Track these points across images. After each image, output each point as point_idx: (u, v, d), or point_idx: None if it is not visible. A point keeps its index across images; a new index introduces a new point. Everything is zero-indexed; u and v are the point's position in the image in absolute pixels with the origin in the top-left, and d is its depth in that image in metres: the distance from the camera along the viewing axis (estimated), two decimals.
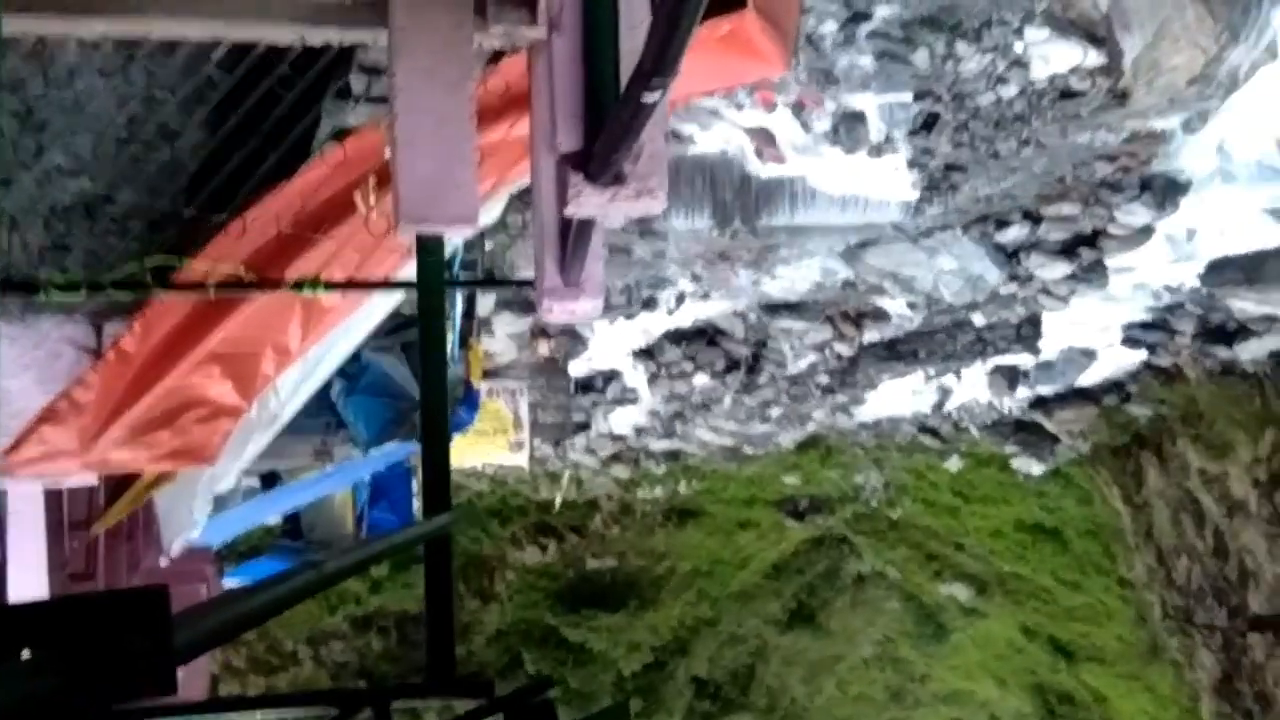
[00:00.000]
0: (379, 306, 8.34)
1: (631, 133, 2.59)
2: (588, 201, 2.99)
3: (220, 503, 10.39)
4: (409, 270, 6.33)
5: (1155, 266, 15.95)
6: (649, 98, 2.13)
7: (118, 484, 8.80)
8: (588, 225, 3.23)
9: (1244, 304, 16.32)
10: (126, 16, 3.56)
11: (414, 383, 11.89)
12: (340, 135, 7.58)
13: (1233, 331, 17.14)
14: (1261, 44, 12.51)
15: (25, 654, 1.38)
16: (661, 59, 1.94)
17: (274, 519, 14.46)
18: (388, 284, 6.95)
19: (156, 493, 9.07)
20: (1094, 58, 12.52)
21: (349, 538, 13.96)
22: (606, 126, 2.79)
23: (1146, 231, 15.20)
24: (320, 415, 11.52)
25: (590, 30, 3.07)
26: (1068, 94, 12.89)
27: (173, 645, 1.44)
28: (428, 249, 4.87)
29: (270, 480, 13.05)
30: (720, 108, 13.00)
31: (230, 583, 13.20)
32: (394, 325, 10.97)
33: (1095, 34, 12.35)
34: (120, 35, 3.81)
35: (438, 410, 4.58)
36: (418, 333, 4.95)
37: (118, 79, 8.01)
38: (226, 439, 7.64)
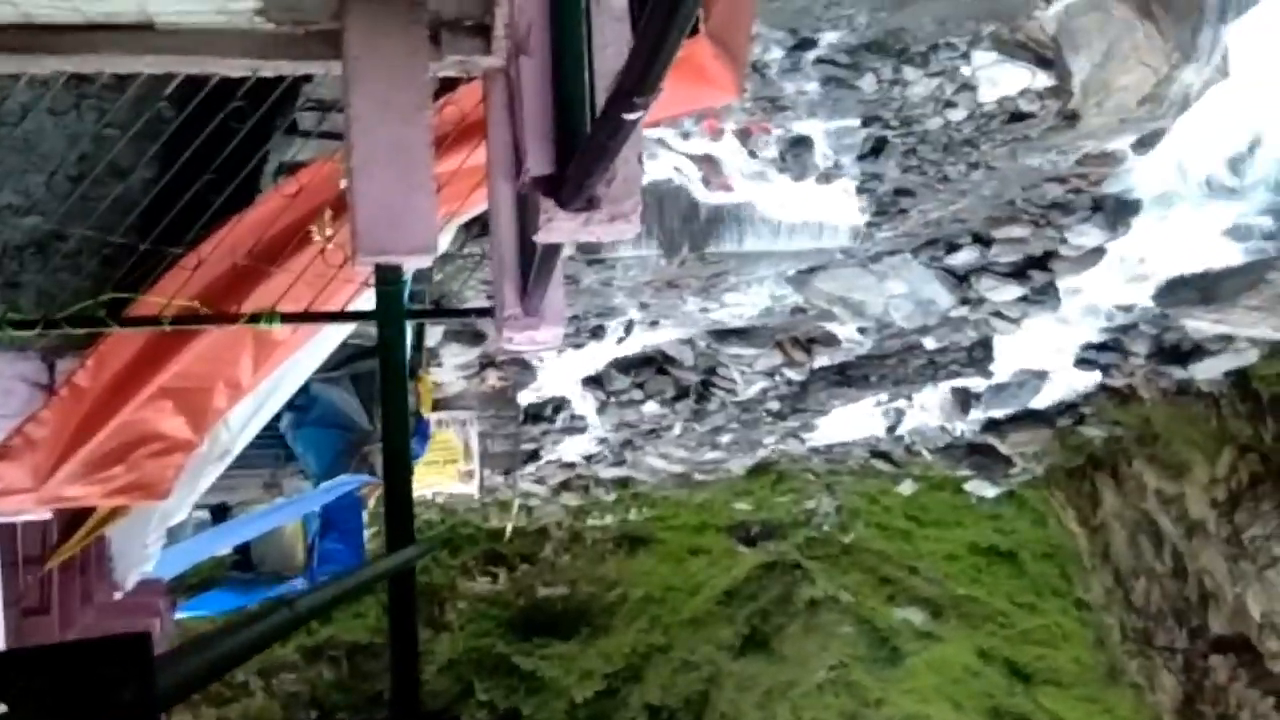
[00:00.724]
0: (329, 338, 8.26)
1: (608, 154, 2.46)
2: (560, 226, 2.88)
3: (172, 535, 10.32)
4: (363, 301, 6.27)
5: (1108, 287, 15.88)
6: (630, 117, 2.06)
7: (71, 519, 8.74)
8: (552, 252, 3.15)
9: (1199, 323, 16.25)
10: (79, 53, 3.52)
11: (363, 414, 11.89)
12: (288, 170, 7.49)
13: (1188, 351, 17.09)
14: (1213, 63, 12.40)
15: (1, 708, 1.34)
16: (645, 76, 1.90)
17: (225, 551, 14.40)
18: (344, 316, 6.77)
19: (110, 527, 8.98)
20: (1043, 80, 12.39)
21: (300, 569, 13.93)
22: (583, 148, 2.65)
23: (1098, 252, 15.12)
24: (270, 448, 11.52)
25: (559, 53, 2.97)
26: (1017, 116, 12.75)
27: (156, 695, 1.41)
28: (386, 280, 4.78)
29: (221, 513, 13.00)
30: (667, 136, 12.84)
31: (183, 616, 13.30)
32: (343, 357, 10.88)
33: (1044, 56, 12.20)
34: (73, 70, 3.69)
35: (399, 443, 4.47)
36: (371, 363, 4.86)
37: (69, 117, 8.09)
38: (179, 473, 7.54)
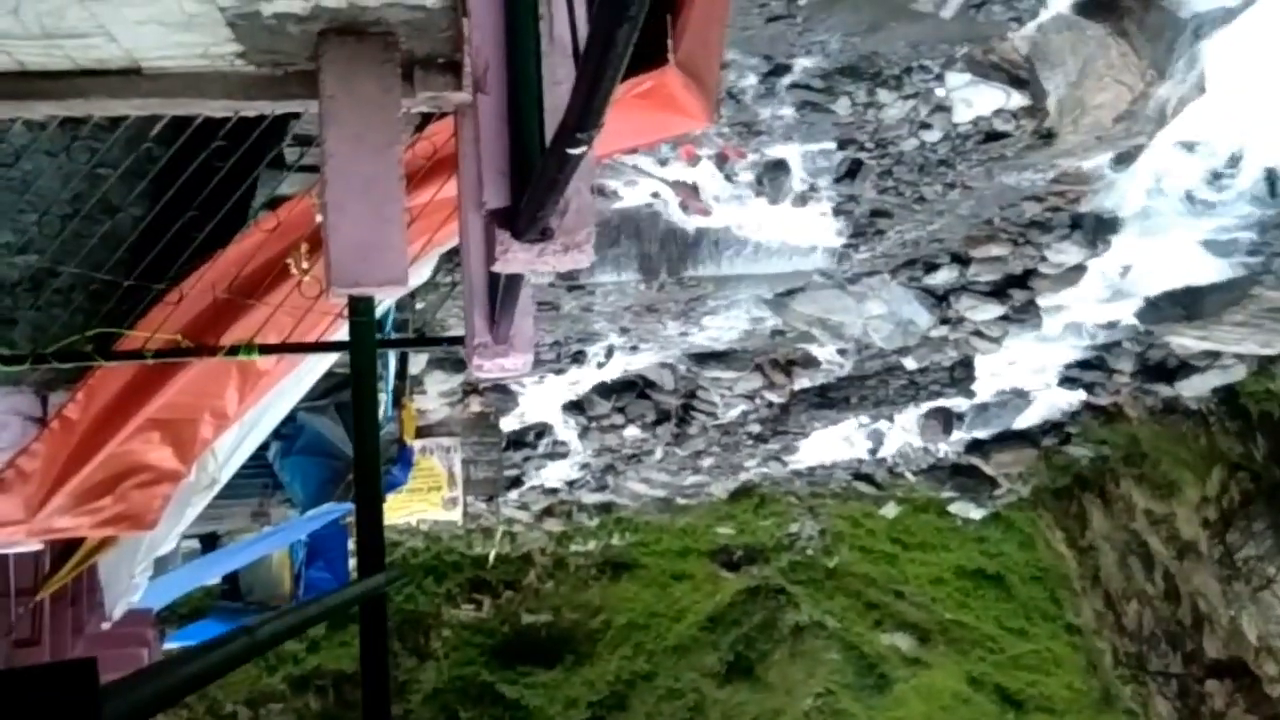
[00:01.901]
0: (313, 368, 8.41)
1: (557, 187, 2.57)
2: (515, 257, 3.00)
3: (160, 565, 10.38)
4: (342, 331, 6.37)
5: (1090, 305, 15.85)
6: (574, 151, 2.15)
7: (62, 550, 8.87)
8: (516, 281, 3.26)
9: (1184, 340, 16.20)
10: (70, 98, 3.66)
11: (349, 442, 11.90)
12: (274, 203, 7.67)
13: (1174, 368, 17.02)
14: (1190, 79, 12.38)
15: None
16: (586, 113, 1.98)
17: (213, 580, 14.43)
18: (321, 346, 6.93)
19: (99, 558, 9.06)
20: (1018, 99, 12.39)
21: (287, 597, 14.14)
22: (533, 182, 2.77)
23: (1079, 270, 15.08)
24: (257, 477, 11.68)
25: (515, 89, 3.10)
26: (992, 136, 12.73)
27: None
28: (359, 311, 4.91)
29: (209, 542, 13.01)
30: (644, 163, 12.84)
31: (172, 646, 13.01)
32: (329, 386, 10.95)
33: (1018, 76, 12.19)
34: (65, 114, 3.86)
35: (370, 469, 4.58)
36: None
37: (62, 158, 8.30)
38: (167, 503, 7.64)
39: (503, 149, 3.13)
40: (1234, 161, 13.52)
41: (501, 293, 3.37)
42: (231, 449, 8.18)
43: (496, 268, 3.07)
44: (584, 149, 2.14)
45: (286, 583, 14.16)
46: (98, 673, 1.40)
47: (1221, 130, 13.09)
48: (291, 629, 2.85)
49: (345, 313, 5.44)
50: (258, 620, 2.29)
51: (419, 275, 8.34)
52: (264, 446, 10.40)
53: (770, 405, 17.34)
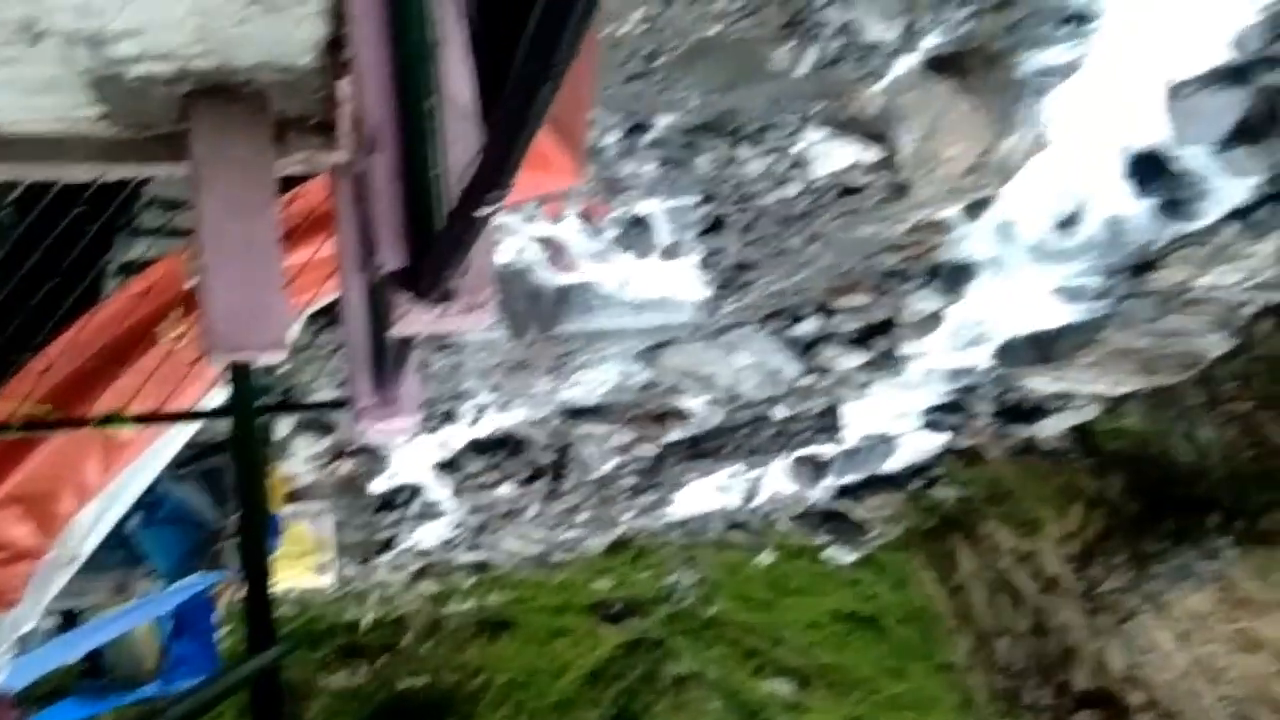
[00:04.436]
0: (178, 435, 8.16)
1: (464, 248, 2.56)
2: (415, 319, 2.91)
3: (21, 644, 9.91)
4: (216, 398, 6.35)
5: (948, 351, 16.23)
6: (484, 212, 2.14)
7: None
8: (406, 343, 3.20)
9: (1039, 383, 16.75)
10: None
11: (213, 511, 11.61)
12: (131, 269, 7.48)
13: (1030, 410, 17.55)
14: (1032, 133, 12.89)
15: None
16: (498, 174, 1.97)
17: (74, 659, 13.95)
18: (196, 415, 6.71)
19: None
20: (872, 154, 12.73)
21: (152, 673, 13.41)
22: (437, 243, 2.73)
23: (936, 318, 15.48)
24: (118, 549, 11.23)
25: (409, 150, 3.02)
26: (849, 190, 13.06)
27: None
28: (240, 377, 4.77)
29: (70, 619, 12.45)
30: (509, 220, 12.86)
31: None
32: (194, 453, 10.81)
33: (872, 131, 12.53)
34: None
35: (257, 541, 4.40)
36: (222, 459, 4.81)
37: None
38: (28, 581, 7.38)
39: (398, 210, 3.05)
40: (1078, 211, 14.06)
41: (392, 354, 3.33)
42: (93, 522, 7.82)
43: (396, 331, 3.00)
44: (493, 210, 2.13)
45: (151, 658, 13.44)
46: None
47: (1065, 181, 13.63)
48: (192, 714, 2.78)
49: (219, 379, 5.35)
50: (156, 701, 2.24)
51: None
52: (125, 517, 10.01)
53: (644, 458, 17.39)
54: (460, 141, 2.96)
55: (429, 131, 2.97)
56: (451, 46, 3.05)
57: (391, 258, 2.99)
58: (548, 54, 1.63)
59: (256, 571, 4.24)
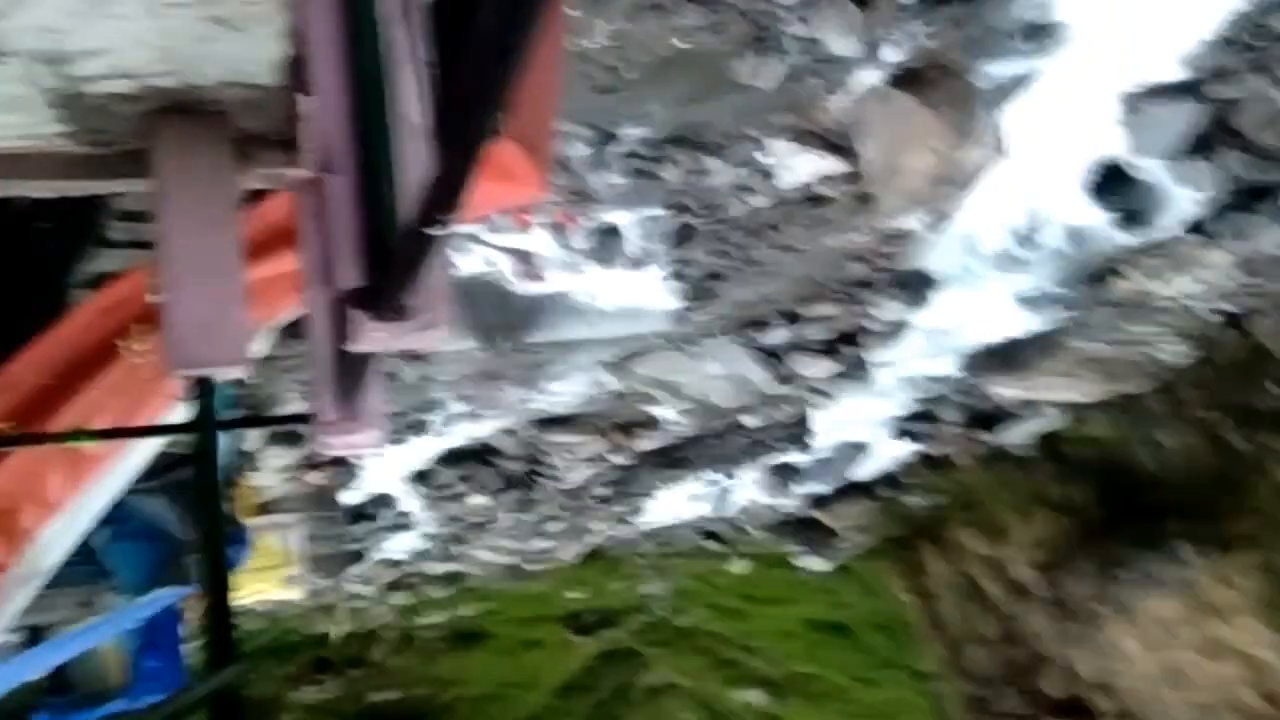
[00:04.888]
0: (144, 449, 8.09)
1: (417, 267, 2.57)
2: (372, 336, 2.94)
3: None
4: (179, 412, 6.22)
5: (916, 359, 16.34)
6: (437, 232, 2.17)
7: None
8: (365, 358, 3.20)
9: (1006, 391, 16.87)
10: None
11: (179, 525, 11.51)
12: (95, 282, 7.41)
13: (998, 418, 17.69)
14: (991, 144, 13.02)
15: None
16: (448, 196, 2.00)
17: (39, 675, 13.82)
18: (158, 429, 6.68)
19: None
20: (837, 165, 12.80)
21: (119, 689, 13.19)
22: (392, 263, 2.76)
23: (903, 326, 15.58)
24: (84, 564, 10.83)
25: (366, 170, 3.05)
26: (815, 200, 13.13)
27: None
28: (200, 391, 4.67)
29: (34, 635, 12.13)
30: (477, 231, 12.88)
31: None
32: (160, 466, 10.44)
33: (837, 143, 12.63)
34: None
35: (216, 556, 4.34)
36: (189, 473, 4.75)
37: None
38: None
39: (354, 229, 3.08)
40: (1039, 220, 14.19)
41: (352, 369, 3.33)
42: (56, 538, 7.84)
43: (352, 347, 3.03)
44: (444, 231, 2.17)
45: (119, 673, 13.25)
46: None
47: (1025, 190, 13.76)
48: None
49: (182, 393, 5.31)
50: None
51: (255, 349, 8.20)
52: (91, 532, 9.75)
53: (615, 467, 17.43)
54: (413, 163, 3.00)
55: (385, 152, 2.99)
56: (405, 69, 3.09)
57: (348, 277, 3.03)
58: (488, 76, 1.66)
59: (217, 588, 4.20)
